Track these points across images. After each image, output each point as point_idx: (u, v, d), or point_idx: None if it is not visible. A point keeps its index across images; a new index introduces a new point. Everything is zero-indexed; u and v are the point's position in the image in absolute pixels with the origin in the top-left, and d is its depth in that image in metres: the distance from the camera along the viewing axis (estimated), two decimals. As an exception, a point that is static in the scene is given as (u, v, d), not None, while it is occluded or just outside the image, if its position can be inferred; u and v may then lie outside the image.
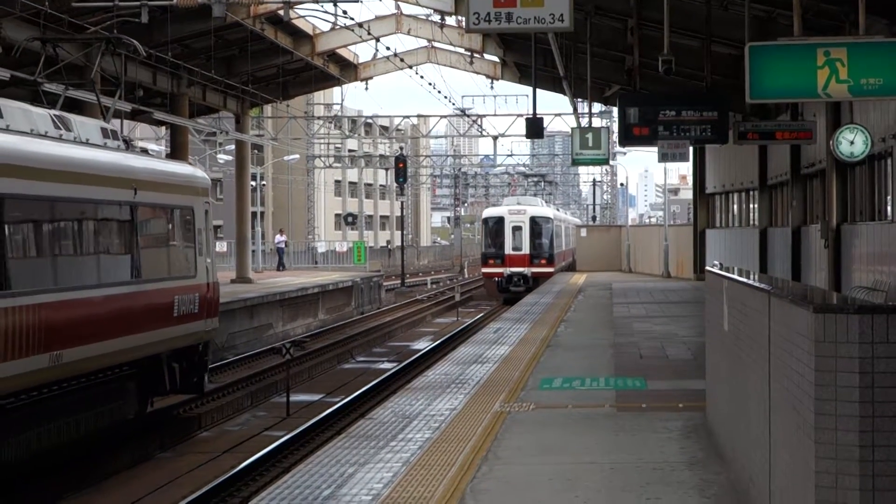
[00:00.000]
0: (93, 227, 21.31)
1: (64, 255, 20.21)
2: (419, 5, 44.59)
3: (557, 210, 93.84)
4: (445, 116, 72.50)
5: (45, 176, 19.46)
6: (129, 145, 25.05)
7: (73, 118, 22.51)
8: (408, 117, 77.10)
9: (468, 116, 71.53)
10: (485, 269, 64.61)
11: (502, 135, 69.84)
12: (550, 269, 62.82)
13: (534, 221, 63.59)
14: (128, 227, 22.81)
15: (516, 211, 64.32)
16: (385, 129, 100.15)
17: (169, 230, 25.11)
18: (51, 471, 20.06)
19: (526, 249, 62.77)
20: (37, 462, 19.78)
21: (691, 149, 33.52)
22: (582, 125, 40.31)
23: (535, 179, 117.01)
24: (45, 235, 19.61)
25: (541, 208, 67.11)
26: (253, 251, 63.04)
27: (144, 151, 30.59)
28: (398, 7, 48.59)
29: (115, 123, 25.59)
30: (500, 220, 63.78)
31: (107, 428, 22.28)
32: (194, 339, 25.66)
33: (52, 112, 21.74)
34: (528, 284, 60.20)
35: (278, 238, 72.25)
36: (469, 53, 52.82)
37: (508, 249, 62.72)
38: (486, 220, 65.76)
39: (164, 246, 24.84)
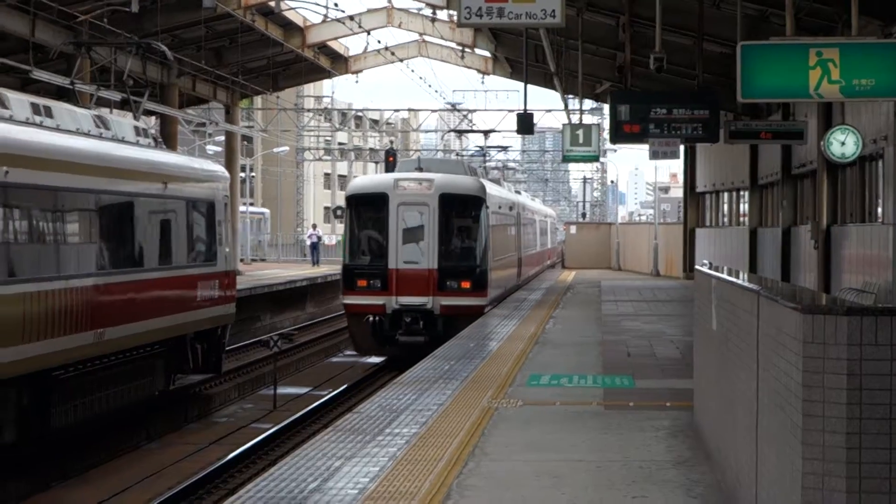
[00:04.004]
0: (129, 216, 23.20)
1: (103, 241, 21.87)
2: (411, -1, 44.62)
3: (518, 191, 60.22)
4: (436, 111, 72.50)
5: (91, 171, 21.31)
6: (157, 142, 27.19)
7: (111, 117, 24.56)
8: (398, 111, 77.09)
9: (459, 111, 71.41)
10: (348, 299, 33.19)
11: (493, 130, 69.85)
12: (479, 301, 32.80)
13: (447, 202, 32.94)
14: (159, 218, 24.84)
15: (414, 181, 33.33)
16: (375, 122, 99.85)
17: (193, 221, 26.95)
18: (39, 458, 20.11)
19: (429, 260, 32.43)
20: (81, 429, 21.54)
21: (682, 147, 33.59)
22: (573, 122, 40.32)
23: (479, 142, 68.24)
24: (88, 223, 21.30)
25: (463, 178, 35.23)
26: (242, 244, 63.10)
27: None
28: (389, 0, 48.61)
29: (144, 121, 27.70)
30: (379, 201, 32.90)
31: (137, 402, 24.04)
32: (214, 323, 27.77)
33: (93, 112, 23.79)
34: (434, 330, 31.65)
35: (310, 232, 71.89)
36: (460, 48, 52.93)
37: (394, 260, 32.38)
38: (351, 200, 33.78)
39: (190, 235, 26.71)
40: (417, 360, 21.71)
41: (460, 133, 58.06)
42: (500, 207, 38.87)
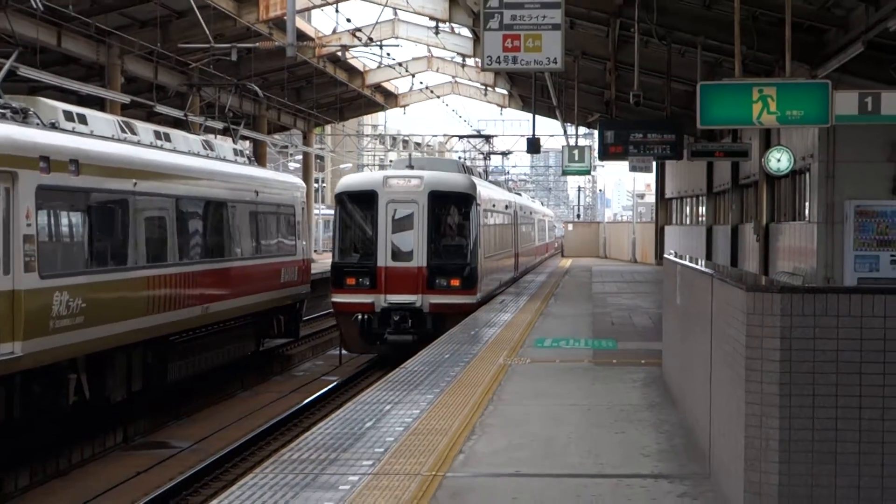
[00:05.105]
0: (229, 217, 23.27)
1: (208, 236, 21.98)
2: (446, 49, 44.66)
3: (519, 192, 52.55)
4: (465, 136, 72.26)
5: (199, 182, 21.58)
6: (250, 160, 27.28)
7: (215, 141, 24.68)
8: (435, 136, 76.93)
9: (482, 136, 71.24)
10: (337, 297, 25.82)
11: (509, 151, 69.66)
12: (469, 299, 25.73)
13: (437, 199, 25.87)
14: (251, 218, 24.80)
15: (403, 178, 26.14)
16: (418, 144, 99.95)
17: (278, 220, 27.01)
18: (160, 403, 20.19)
19: (419, 258, 25.51)
20: (191, 382, 21.76)
21: (654, 163, 33.47)
22: (570, 144, 40.20)
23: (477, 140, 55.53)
24: (196, 221, 21.40)
25: (453, 175, 27.61)
26: (315, 239, 63.23)
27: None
28: (429, 50, 48.69)
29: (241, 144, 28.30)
30: (368, 198, 25.79)
31: (234, 359, 24.14)
32: (293, 299, 27.82)
33: (201, 137, 24.01)
34: (423, 326, 25.11)
35: None
36: (484, 87, 52.90)
37: (384, 257, 25.41)
38: (341, 198, 26.35)
39: (275, 232, 26.77)
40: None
41: (461, 137, 52.73)
42: (494, 206, 31.57)
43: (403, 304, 25.11)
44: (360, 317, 25.20)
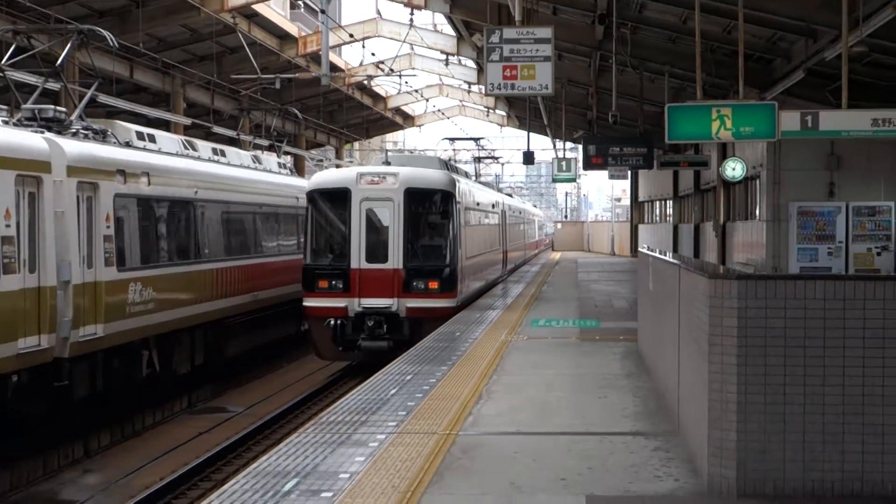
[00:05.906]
0: (275, 220, 23.31)
1: (257, 236, 22.05)
2: (454, 78, 44.67)
3: (510, 193, 48.13)
4: (470, 150, 72.17)
5: (250, 190, 21.71)
6: (292, 172, 27.08)
7: (262, 156, 24.76)
8: (446, 150, 76.87)
9: (485, 148, 71.03)
10: (309, 301, 19.83)
11: (507, 162, 69.67)
12: (448, 303, 19.90)
13: (413, 197, 19.84)
14: (294, 221, 24.57)
15: (377, 175, 19.90)
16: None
17: None
18: (219, 374, 20.22)
19: (394, 259, 19.60)
20: (243, 357, 21.65)
21: (629, 172, 33.43)
22: (559, 156, 40.15)
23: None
24: (247, 224, 21.53)
25: (431, 172, 21.05)
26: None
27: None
28: (440, 79, 48.68)
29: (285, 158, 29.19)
30: (341, 196, 19.78)
31: (279, 339, 23.97)
32: None
33: (251, 153, 23.98)
34: (399, 332, 19.41)
35: None
36: (486, 109, 52.89)
37: (357, 259, 19.54)
38: (312, 196, 20.08)
39: None
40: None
41: (453, 140, 48.90)
42: (477, 204, 25.47)
43: (378, 309, 19.68)
44: (332, 322, 19.74)
